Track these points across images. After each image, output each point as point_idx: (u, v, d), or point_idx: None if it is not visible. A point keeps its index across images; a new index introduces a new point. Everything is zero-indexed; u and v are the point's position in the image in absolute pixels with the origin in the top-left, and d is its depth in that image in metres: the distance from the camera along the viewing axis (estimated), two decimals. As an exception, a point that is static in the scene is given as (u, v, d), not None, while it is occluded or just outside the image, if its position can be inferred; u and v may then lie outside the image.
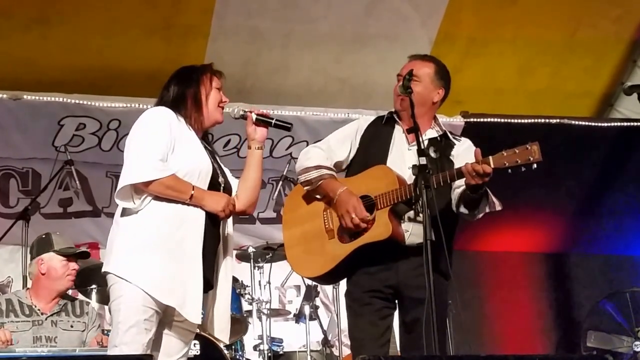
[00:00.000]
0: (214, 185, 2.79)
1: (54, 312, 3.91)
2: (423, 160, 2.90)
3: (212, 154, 2.93)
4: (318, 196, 3.17)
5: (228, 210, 2.75)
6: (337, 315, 5.14)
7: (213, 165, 2.83)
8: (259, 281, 5.03)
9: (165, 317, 2.72)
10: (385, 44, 5.59)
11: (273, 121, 2.95)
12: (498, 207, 3.15)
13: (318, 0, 5.40)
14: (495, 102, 5.98)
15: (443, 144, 3.21)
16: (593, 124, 6.05)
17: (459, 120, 5.75)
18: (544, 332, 6.57)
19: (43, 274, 3.91)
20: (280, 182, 5.40)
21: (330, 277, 3.19)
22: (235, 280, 4.95)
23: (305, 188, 3.16)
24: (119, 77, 5.22)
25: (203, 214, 2.72)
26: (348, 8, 5.45)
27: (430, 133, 3.23)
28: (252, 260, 5.05)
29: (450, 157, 3.19)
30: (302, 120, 5.57)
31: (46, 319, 3.89)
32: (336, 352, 5.18)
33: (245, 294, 4.92)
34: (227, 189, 2.88)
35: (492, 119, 5.80)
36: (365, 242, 3.03)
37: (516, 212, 6.23)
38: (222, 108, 2.93)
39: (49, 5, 5.01)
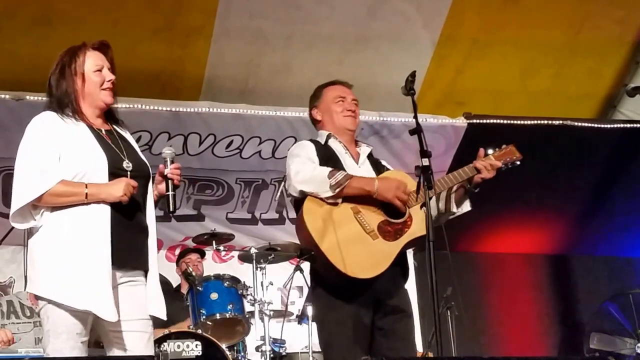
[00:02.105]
0: (116, 173, 2.67)
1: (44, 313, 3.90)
2: (426, 162, 2.93)
3: (116, 140, 2.76)
4: (339, 201, 3.16)
5: (129, 192, 2.61)
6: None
7: (110, 154, 2.69)
8: (261, 282, 5.01)
9: (99, 324, 2.66)
10: (388, 46, 5.59)
11: (172, 192, 2.75)
12: (470, 208, 3.35)
13: (321, 2, 5.39)
14: (498, 104, 5.97)
15: (375, 159, 3.45)
16: (596, 125, 6.04)
17: (461, 122, 5.75)
18: (547, 333, 6.57)
19: None
20: (283, 183, 5.37)
21: (382, 276, 3.15)
22: (237, 281, 4.96)
23: (337, 191, 3.13)
24: (121, 78, 5.14)
25: (107, 208, 2.62)
26: (351, 9, 5.45)
27: (365, 150, 3.43)
28: (254, 261, 5.03)
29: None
30: (305, 121, 5.53)
31: (43, 322, 3.88)
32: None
33: (248, 295, 4.92)
34: (138, 171, 2.74)
35: (494, 121, 5.80)
36: (413, 237, 3.14)
37: (519, 213, 6.24)
38: (109, 89, 2.75)
39: (51, 6, 5.01)
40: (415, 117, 3.08)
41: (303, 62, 5.58)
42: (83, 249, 2.59)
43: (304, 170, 3.20)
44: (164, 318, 2.79)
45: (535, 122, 5.86)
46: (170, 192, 2.76)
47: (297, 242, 5.57)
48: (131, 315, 2.69)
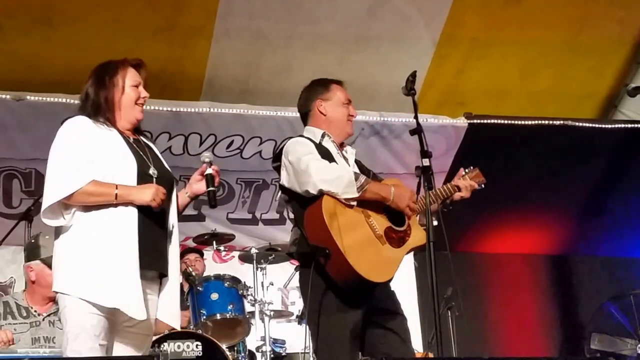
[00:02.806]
0: (143, 178, 2.76)
1: (50, 313, 3.91)
2: (426, 162, 2.93)
3: (143, 148, 2.88)
4: (354, 204, 3.15)
5: (159, 198, 2.71)
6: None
7: (138, 159, 2.79)
8: (262, 282, 5.02)
9: (116, 324, 2.71)
10: (388, 46, 5.59)
11: (213, 188, 2.90)
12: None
13: (321, 2, 5.40)
14: (499, 104, 5.97)
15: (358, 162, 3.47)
16: (597, 125, 6.04)
17: (462, 122, 5.74)
18: (547, 334, 6.56)
19: (33, 282, 3.91)
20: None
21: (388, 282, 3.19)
22: (237, 281, 4.95)
23: (359, 194, 3.12)
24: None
25: (135, 210, 2.70)
26: (351, 10, 5.45)
27: (351, 151, 3.44)
28: (254, 262, 5.04)
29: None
30: (305, 121, 5.57)
31: (43, 320, 3.89)
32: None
33: (248, 295, 4.92)
34: (163, 178, 2.84)
35: (495, 121, 5.80)
36: (414, 246, 3.19)
37: (519, 213, 6.24)
38: (142, 105, 2.90)
39: (52, 6, 5.02)
40: (416, 117, 3.09)
41: (303, 62, 5.58)
42: (112, 248, 2.66)
43: (325, 169, 3.15)
44: (177, 328, 2.85)
45: (536, 122, 5.86)
46: (212, 188, 2.88)
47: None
48: (134, 328, 2.74)
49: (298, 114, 5.53)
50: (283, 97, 5.62)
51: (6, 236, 4.86)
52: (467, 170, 3.38)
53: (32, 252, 3.94)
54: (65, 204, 2.70)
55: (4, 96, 5.00)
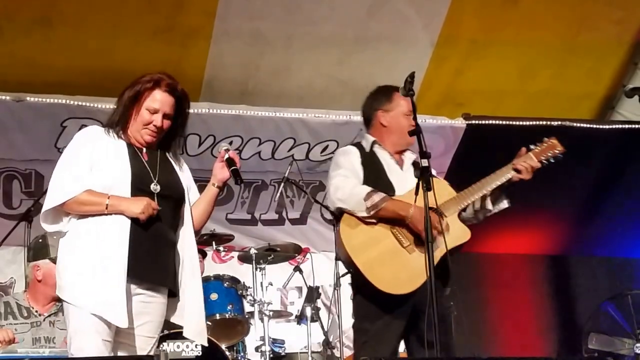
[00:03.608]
0: (139, 192, 2.80)
1: (51, 313, 3.92)
2: (425, 162, 2.95)
3: (155, 163, 2.89)
4: (374, 220, 3.20)
5: (148, 212, 2.74)
6: (338, 316, 5.14)
7: (138, 173, 2.82)
8: (261, 282, 5.04)
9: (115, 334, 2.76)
10: (387, 46, 5.60)
11: (236, 167, 2.96)
12: (509, 204, 3.40)
13: (320, 3, 5.41)
14: (497, 105, 5.99)
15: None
16: (594, 126, 6.05)
17: (460, 123, 5.76)
18: (546, 333, 6.57)
19: (39, 281, 3.93)
20: (282, 184, 5.41)
21: (420, 289, 3.15)
22: (237, 281, 4.97)
23: (372, 212, 3.17)
24: (121, 79, 5.18)
25: (127, 221, 2.75)
26: (350, 10, 5.46)
27: (410, 156, 3.45)
28: (253, 262, 5.06)
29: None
30: (304, 122, 5.59)
31: (44, 320, 3.91)
32: (337, 354, 5.18)
33: (247, 295, 4.93)
34: (168, 194, 2.87)
35: (493, 121, 5.81)
36: (451, 246, 3.12)
37: (518, 214, 6.20)
38: (154, 130, 2.88)
39: (52, 7, 5.02)
40: (415, 117, 3.12)
41: (303, 63, 5.60)
42: (101, 257, 2.71)
43: (343, 187, 3.24)
44: (204, 344, 2.94)
45: (534, 122, 5.87)
46: (234, 167, 2.94)
47: (296, 242, 5.65)
48: (136, 330, 2.78)
49: (297, 115, 5.61)
50: (282, 98, 5.64)
51: (6, 237, 4.86)
52: (533, 147, 3.31)
53: (40, 251, 3.97)
54: (64, 211, 2.79)
55: (4, 97, 5.01)
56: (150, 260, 2.80)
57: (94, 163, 2.80)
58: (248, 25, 5.38)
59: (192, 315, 2.85)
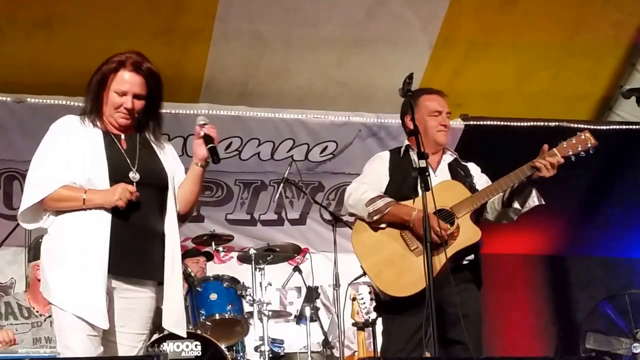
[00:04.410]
0: (120, 181, 2.68)
1: (52, 313, 3.93)
2: (423, 163, 2.97)
3: (134, 149, 2.78)
4: (383, 225, 3.25)
5: (125, 197, 2.62)
6: (337, 316, 5.17)
7: (115, 163, 2.71)
8: (260, 283, 5.06)
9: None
10: (386, 48, 5.62)
11: (213, 145, 2.82)
12: (542, 201, 3.38)
13: (319, 5, 5.42)
14: (495, 106, 6.00)
15: (461, 165, 3.45)
16: (592, 127, 6.01)
17: (458, 124, 5.77)
18: (543, 333, 6.59)
19: (39, 280, 3.94)
20: (282, 184, 5.43)
21: (444, 285, 3.14)
22: (236, 281, 4.99)
23: (375, 218, 3.22)
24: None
25: (107, 215, 2.65)
26: (349, 12, 5.48)
27: (447, 158, 3.46)
28: (253, 262, 5.08)
29: (472, 175, 3.42)
30: (303, 123, 5.61)
31: (45, 320, 3.91)
32: (337, 354, 5.20)
33: (247, 295, 4.95)
34: (149, 181, 2.75)
35: (491, 122, 5.83)
36: (460, 247, 3.16)
37: (515, 214, 6.26)
38: (125, 113, 2.75)
39: (52, 9, 5.03)
40: (413, 118, 3.13)
41: (302, 65, 5.62)
42: (80, 254, 2.63)
43: (354, 193, 3.30)
44: (183, 335, 2.80)
45: (532, 123, 5.89)
46: (211, 145, 2.80)
47: (296, 243, 5.67)
48: (124, 328, 2.72)
49: (296, 116, 5.64)
50: (281, 99, 5.66)
51: (7, 237, 4.88)
52: (563, 142, 3.26)
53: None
54: (43, 208, 2.71)
55: (5, 98, 5.03)
56: (134, 253, 2.69)
57: (69, 156, 2.69)
58: (248, 27, 5.40)
59: (171, 306, 2.74)
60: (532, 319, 6.60)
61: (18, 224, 4.89)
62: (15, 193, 5.46)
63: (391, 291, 3.19)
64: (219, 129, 5.47)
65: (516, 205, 3.31)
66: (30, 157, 5.35)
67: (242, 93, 5.65)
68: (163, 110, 5.65)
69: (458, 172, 3.41)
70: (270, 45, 5.51)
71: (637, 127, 6.07)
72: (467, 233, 3.20)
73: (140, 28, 5.20)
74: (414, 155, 3.37)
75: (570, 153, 3.25)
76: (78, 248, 2.64)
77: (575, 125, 5.96)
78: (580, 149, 3.26)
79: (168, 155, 2.88)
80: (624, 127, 6.08)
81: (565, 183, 6.19)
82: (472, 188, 3.33)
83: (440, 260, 3.12)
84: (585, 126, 6.02)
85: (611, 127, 6.10)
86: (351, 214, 3.35)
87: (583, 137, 3.28)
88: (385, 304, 3.32)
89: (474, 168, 3.49)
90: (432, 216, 3.09)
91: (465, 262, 3.14)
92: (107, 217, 2.66)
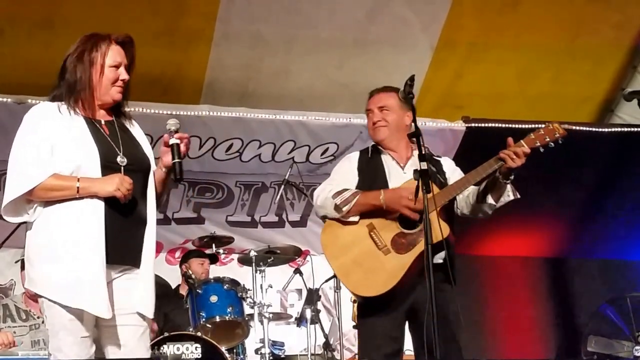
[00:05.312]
0: (108, 168, 2.62)
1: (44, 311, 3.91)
2: (424, 165, 2.96)
3: (116, 133, 2.72)
4: (355, 218, 3.22)
5: (124, 188, 2.56)
6: (338, 319, 5.16)
7: (103, 148, 2.65)
8: (261, 285, 5.05)
9: (98, 320, 2.64)
10: (387, 50, 5.62)
11: (178, 160, 2.69)
12: (517, 195, 3.33)
13: (320, 6, 5.42)
14: (496, 108, 6.00)
15: (433, 160, 3.40)
16: (593, 129, 6.06)
17: (460, 125, 5.77)
18: (544, 336, 6.58)
19: None
20: (282, 186, 5.42)
21: (396, 290, 3.16)
22: (237, 283, 4.98)
23: (344, 209, 3.20)
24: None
25: (101, 203, 2.57)
26: (350, 14, 5.48)
27: (417, 153, 3.36)
28: (253, 264, 5.07)
29: (444, 171, 3.38)
30: (304, 124, 5.60)
31: (42, 322, 3.89)
32: (337, 356, 5.19)
33: (247, 297, 4.94)
34: (135, 166, 2.69)
35: (493, 124, 5.82)
36: (431, 243, 3.08)
37: (516, 216, 6.25)
38: (120, 86, 2.72)
39: (54, 10, 5.04)
40: (414, 120, 3.12)
41: (303, 66, 5.62)
42: (76, 245, 2.55)
43: (321, 194, 3.30)
44: (150, 316, 2.71)
45: (533, 125, 5.79)
46: (176, 160, 2.69)
47: (296, 245, 5.66)
48: (125, 309, 2.66)
49: (297, 118, 5.63)
50: (282, 101, 5.65)
51: (6, 239, 4.86)
52: (531, 134, 3.20)
53: None
54: (27, 200, 2.59)
55: (5, 99, 5.02)
56: (127, 241, 2.64)
57: (54, 144, 2.59)
58: (249, 28, 5.40)
59: (145, 291, 2.68)
60: (533, 322, 6.59)
61: (18, 225, 4.93)
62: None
63: (360, 291, 3.19)
64: (220, 130, 5.56)
65: (490, 200, 3.28)
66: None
67: (243, 94, 5.65)
68: (164, 112, 5.69)
69: (429, 168, 3.39)
70: (271, 47, 5.51)
71: (639, 129, 6.06)
72: (435, 230, 3.09)
73: (141, 29, 5.19)
74: (383, 155, 3.38)
75: (538, 144, 3.20)
76: (72, 239, 2.55)
77: (577, 128, 5.97)
78: (548, 139, 3.21)
79: (143, 139, 2.82)
80: (626, 129, 6.08)
81: (567, 185, 6.21)
82: (442, 184, 3.29)
83: (407, 259, 3.12)
84: (587, 128, 6.06)
85: (612, 129, 6.11)
86: (323, 217, 3.34)
87: (551, 127, 3.23)
88: (358, 306, 3.33)
89: (447, 163, 3.47)
90: (403, 189, 3.13)
91: (438, 262, 3.06)
92: (100, 206, 2.58)
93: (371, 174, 3.34)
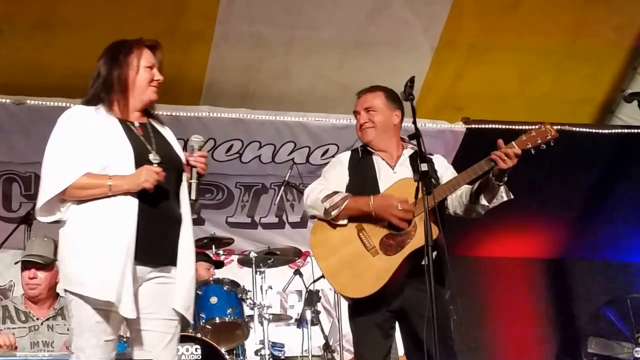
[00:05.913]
0: (142, 165, 2.67)
1: (49, 317, 3.91)
2: (424, 167, 2.95)
3: (149, 134, 2.79)
4: (344, 222, 3.22)
5: (152, 178, 2.61)
6: (338, 320, 5.15)
7: (137, 147, 2.70)
8: (261, 286, 5.04)
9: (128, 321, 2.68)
10: (387, 51, 5.62)
11: (191, 181, 2.77)
12: (511, 196, 3.29)
13: (321, 7, 5.42)
14: (497, 109, 6.00)
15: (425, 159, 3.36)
16: (593, 130, 6.07)
17: (460, 127, 5.77)
18: (545, 338, 6.58)
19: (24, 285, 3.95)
20: (282, 187, 5.42)
21: (385, 292, 3.14)
22: (236, 285, 4.97)
23: (333, 213, 3.20)
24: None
25: (135, 201, 2.62)
26: (350, 15, 5.48)
27: (408, 152, 3.42)
28: (253, 265, 5.07)
29: (435, 170, 3.36)
30: (305, 125, 5.60)
31: (42, 324, 3.89)
32: (337, 357, 5.19)
33: (247, 298, 4.94)
34: (168, 164, 2.73)
35: (493, 126, 5.82)
36: (417, 246, 3.08)
37: (517, 218, 6.26)
38: (155, 86, 2.84)
39: (52, 11, 5.03)
40: (414, 122, 3.11)
41: (303, 67, 5.62)
42: (107, 241, 2.58)
43: (312, 194, 3.29)
44: (185, 314, 2.74)
45: (534, 127, 5.88)
46: (193, 180, 2.76)
47: (296, 246, 5.66)
48: (155, 314, 2.68)
49: (297, 119, 5.63)
50: (282, 102, 5.65)
51: (6, 240, 4.87)
52: (522, 135, 3.17)
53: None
54: (61, 199, 2.65)
55: (4, 100, 5.02)
56: (161, 240, 2.68)
57: (88, 144, 2.65)
58: (249, 29, 5.40)
59: (182, 290, 2.71)
60: (533, 323, 6.59)
61: (17, 226, 4.93)
62: (15, 195, 5.46)
63: (348, 292, 3.19)
64: (220, 131, 5.56)
65: (483, 201, 3.25)
66: (29, 160, 5.42)
67: (243, 95, 5.65)
68: (164, 113, 5.69)
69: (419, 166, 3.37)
70: (271, 48, 5.51)
71: (639, 131, 6.06)
72: (422, 234, 3.08)
73: (141, 30, 5.14)
74: (373, 155, 3.37)
75: (529, 145, 3.16)
76: (105, 237, 2.58)
77: (577, 129, 5.97)
78: (539, 141, 3.17)
79: (174, 141, 2.90)
80: (626, 131, 6.08)
81: (567, 187, 6.20)
82: (434, 184, 3.22)
83: (395, 261, 3.11)
84: (587, 130, 6.06)
85: (613, 131, 6.10)
86: (312, 217, 3.32)
87: (543, 128, 3.20)
88: (348, 307, 3.32)
89: (439, 161, 3.45)
90: (392, 197, 3.12)
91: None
92: (134, 203, 2.62)
93: (362, 174, 3.34)
